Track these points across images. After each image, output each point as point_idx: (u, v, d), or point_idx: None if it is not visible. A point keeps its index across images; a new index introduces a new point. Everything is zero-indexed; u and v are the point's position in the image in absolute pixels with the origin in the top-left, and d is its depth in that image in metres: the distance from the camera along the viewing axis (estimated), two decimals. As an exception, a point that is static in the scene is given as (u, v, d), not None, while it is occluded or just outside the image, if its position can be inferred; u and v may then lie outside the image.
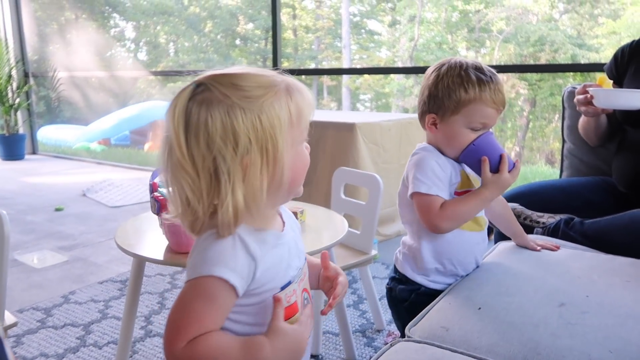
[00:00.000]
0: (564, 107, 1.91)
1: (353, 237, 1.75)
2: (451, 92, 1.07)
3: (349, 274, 2.35)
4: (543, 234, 1.49)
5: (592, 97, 1.44)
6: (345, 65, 12.84)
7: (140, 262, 1.50)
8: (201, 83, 0.68)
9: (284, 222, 0.78)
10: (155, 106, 9.20)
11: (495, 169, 1.08)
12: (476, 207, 1.09)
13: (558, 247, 1.31)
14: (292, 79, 0.72)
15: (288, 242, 0.75)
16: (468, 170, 1.15)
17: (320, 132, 2.41)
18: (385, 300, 1.41)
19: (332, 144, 2.40)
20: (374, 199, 1.71)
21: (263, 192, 0.67)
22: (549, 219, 1.54)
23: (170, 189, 0.69)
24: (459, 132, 1.09)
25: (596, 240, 1.38)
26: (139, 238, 1.51)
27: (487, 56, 11.73)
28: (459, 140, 1.09)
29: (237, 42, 14.50)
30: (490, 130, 1.12)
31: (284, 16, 13.79)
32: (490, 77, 1.07)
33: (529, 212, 1.59)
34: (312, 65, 13.89)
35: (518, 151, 11.86)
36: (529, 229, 1.54)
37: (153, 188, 1.37)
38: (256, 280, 0.68)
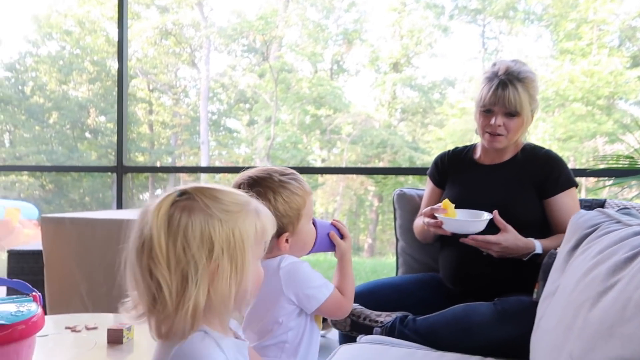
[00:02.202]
0: (394, 209, 2.07)
1: None
2: (292, 204, 1.11)
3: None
4: (381, 333, 1.53)
5: (442, 222, 1.54)
6: (203, 160, 12.80)
7: None
8: (185, 192, 0.75)
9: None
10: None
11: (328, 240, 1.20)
12: (352, 272, 1.21)
13: None
14: (259, 202, 0.81)
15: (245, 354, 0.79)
16: None
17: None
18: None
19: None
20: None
21: (231, 299, 0.73)
22: (386, 317, 1.59)
23: (139, 283, 0.72)
24: (308, 229, 1.17)
25: (427, 337, 1.45)
26: None
27: (339, 156, 12.66)
28: (310, 236, 1.17)
29: (87, 134, 13.72)
30: None
31: (139, 110, 13.50)
32: (293, 175, 1.15)
33: (368, 311, 1.63)
34: (169, 160, 13.61)
35: (371, 243, 12.60)
36: (368, 329, 1.57)
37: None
38: None
